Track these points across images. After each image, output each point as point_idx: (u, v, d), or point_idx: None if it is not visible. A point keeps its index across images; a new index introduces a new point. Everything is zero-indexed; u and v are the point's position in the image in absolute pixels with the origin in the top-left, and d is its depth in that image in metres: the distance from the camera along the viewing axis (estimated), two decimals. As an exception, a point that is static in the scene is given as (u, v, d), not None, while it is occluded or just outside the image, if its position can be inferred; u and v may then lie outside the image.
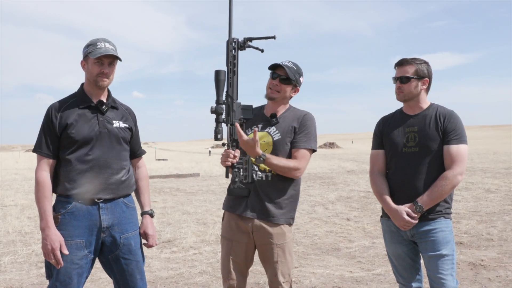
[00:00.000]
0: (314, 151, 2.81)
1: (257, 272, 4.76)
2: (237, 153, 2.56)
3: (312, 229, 7.10)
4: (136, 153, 2.79)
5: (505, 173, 15.00)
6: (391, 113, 2.92)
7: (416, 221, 2.62)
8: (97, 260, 2.62)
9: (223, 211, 2.88)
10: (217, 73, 2.46)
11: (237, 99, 2.54)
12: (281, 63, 2.74)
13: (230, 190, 2.65)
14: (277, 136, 2.74)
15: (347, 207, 9.22)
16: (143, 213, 2.76)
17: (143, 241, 2.74)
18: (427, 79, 2.72)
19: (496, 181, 12.70)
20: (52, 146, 2.50)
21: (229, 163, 2.54)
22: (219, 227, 7.11)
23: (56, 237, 2.39)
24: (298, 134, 2.75)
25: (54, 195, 2.54)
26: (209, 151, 55.01)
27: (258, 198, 2.70)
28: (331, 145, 64.61)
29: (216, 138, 2.48)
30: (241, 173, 2.59)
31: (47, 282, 2.53)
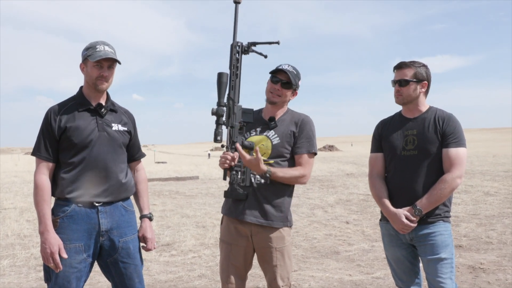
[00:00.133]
0: (315, 154, 2.82)
1: (256, 275, 4.76)
2: (236, 155, 2.57)
3: (311, 232, 7.10)
4: (135, 156, 2.79)
5: (504, 176, 15.00)
6: (390, 116, 2.93)
7: (415, 225, 2.62)
8: (96, 263, 2.61)
9: (222, 214, 2.88)
10: (220, 75, 2.48)
11: (238, 102, 2.55)
12: (282, 68, 2.74)
13: (226, 192, 2.65)
14: (276, 140, 2.74)
15: (346, 210, 9.21)
16: (142, 217, 2.75)
17: (142, 244, 2.73)
18: (426, 82, 2.72)
19: (495, 184, 12.70)
20: (51, 149, 2.49)
21: (227, 165, 2.55)
22: (219, 230, 7.10)
23: (55, 241, 2.38)
24: (299, 139, 2.76)
25: (53, 199, 2.53)
26: (209, 154, 55.01)
27: (257, 202, 2.69)
28: (330, 148, 64.63)
29: (215, 140, 2.48)
30: (239, 176, 2.59)
31: (45, 286, 2.53)
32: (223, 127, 2.51)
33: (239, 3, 2.60)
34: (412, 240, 2.70)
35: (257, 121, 2.80)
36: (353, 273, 4.92)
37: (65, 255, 2.40)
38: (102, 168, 2.52)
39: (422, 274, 2.81)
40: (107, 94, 2.66)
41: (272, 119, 2.78)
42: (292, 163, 2.79)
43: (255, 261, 2.84)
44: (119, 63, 2.58)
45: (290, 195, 2.80)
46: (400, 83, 2.71)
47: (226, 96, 2.53)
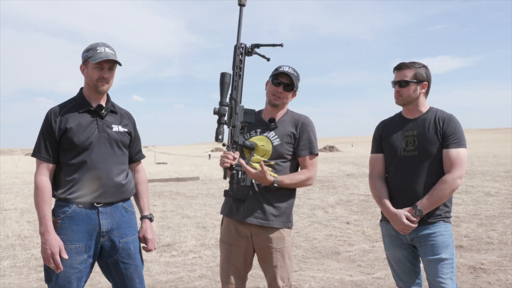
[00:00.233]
0: (317, 155, 2.84)
1: (256, 276, 4.76)
2: (237, 155, 2.58)
3: (312, 232, 7.10)
4: (135, 157, 2.79)
5: (505, 176, 14.99)
6: (390, 117, 2.93)
7: (416, 225, 2.62)
8: (96, 264, 2.61)
9: (222, 215, 2.88)
10: (223, 75, 2.51)
11: (240, 102, 2.58)
12: (284, 71, 2.74)
13: (227, 192, 2.65)
14: (276, 141, 2.75)
15: (347, 210, 9.21)
16: (142, 217, 2.76)
17: (142, 245, 2.73)
18: (426, 83, 2.72)
19: (496, 184, 12.69)
20: (51, 150, 2.49)
21: (228, 165, 2.55)
22: (219, 231, 7.09)
23: (56, 242, 2.38)
24: (301, 141, 2.77)
25: (54, 199, 2.54)
26: (209, 155, 55.00)
27: (257, 203, 2.70)
28: (331, 148, 64.61)
29: (217, 139, 2.50)
30: (239, 175, 2.60)
31: (46, 287, 2.53)
32: (225, 126, 2.53)
33: (244, 5, 2.62)
34: (412, 241, 2.70)
35: (257, 122, 2.80)
36: (353, 274, 4.92)
37: (65, 256, 2.40)
38: (102, 169, 2.52)
39: (423, 274, 2.81)
40: (107, 95, 2.66)
41: (272, 120, 2.79)
42: (293, 164, 2.79)
43: (255, 261, 2.85)
44: (120, 64, 2.58)
45: (292, 195, 2.80)
46: (400, 84, 2.71)
47: (228, 96, 2.55)
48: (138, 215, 2.76)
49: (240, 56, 2.60)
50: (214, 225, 7.76)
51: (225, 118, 2.54)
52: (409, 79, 2.69)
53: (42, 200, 2.43)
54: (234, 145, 2.59)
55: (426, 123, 2.70)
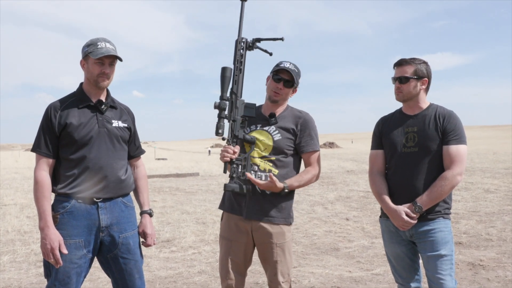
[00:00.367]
0: (319, 150, 2.86)
1: (256, 271, 4.77)
2: (237, 149, 2.59)
3: (311, 229, 7.10)
4: (135, 152, 2.79)
5: (504, 173, 15.00)
6: (390, 113, 2.92)
7: (415, 221, 2.62)
8: (96, 259, 2.62)
9: (222, 211, 2.89)
10: (224, 69, 2.52)
11: (241, 97, 2.58)
12: (285, 67, 2.73)
13: (226, 185, 2.65)
14: (277, 136, 2.75)
15: (346, 207, 9.22)
16: (142, 213, 2.76)
17: (142, 240, 2.74)
18: (426, 79, 2.72)
19: (495, 181, 12.70)
20: (51, 145, 2.49)
21: (228, 159, 2.56)
22: (219, 226, 7.10)
23: (55, 237, 2.39)
24: (303, 138, 2.78)
25: (53, 195, 2.54)
26: (209, 151, 55.01)
27: (257, 198, 2.70)
28: (330, 145, 64.60)
29: (217, 133, 2.51)
30: (239, 170, 2.61)
31: (45, 282, 2.53)
32: (225, 120, 2.54)
33: (245, 0, 2.62)
34: (412, 237, 2.70)
35: (257, 117, 2.80)
36: (353, 270, 4.93)
37: (65, 251, 2.40)
38: (102, 164, 2.52)
39: (422, 270, 2.81)
40: (107, 90, 2.66)
41: (272, 115, 2.79)
42: (294, 160, 2.79)
43: (255, 257, 2.85)
44: (121, 60, 2.57)
45: (291, 191, 2.80)
46: (400, 80, 2.71)
47: (229, 90, 2.56)
48: (137, 211, 2.76)
49: (241, 50, 2.60)
50: (213, 221, 7.76)
51: (226, 112, 2.54)
52: (409, 75, 2.68)
53: (42, 195, 2.43)
54: (234, 139, 2.60)
55: (426, 119, 2.69)
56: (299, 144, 2.78)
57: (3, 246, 6.08)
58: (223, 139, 2.62)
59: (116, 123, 2.62)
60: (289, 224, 2.78)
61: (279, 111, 2.83)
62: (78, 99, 2.57)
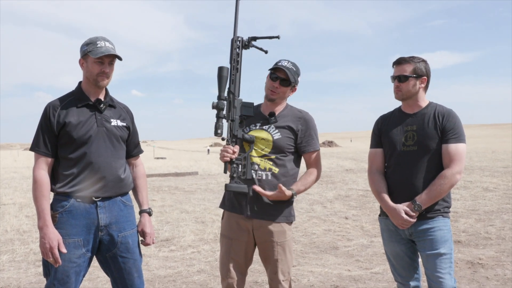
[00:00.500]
0: (319, 149, 2.88)
1: (255, 270, 4.77)
2: (236, 148, 2.59)
3: (311, 227, 7.11)
4: (133, 151, 2.78)
5: (503, 171, 15.02)
6: (389, 112, 2.92)
7: (415, 220, 2.62)
8: (95, 258, 2.62)
9: (221, 209, 2.89)
10: (220, 69, 2.51)
11: (238, 96, 2.58)
12: (281, 65, 2.73)
13: (227, 186, 2.65)
14: (277, 135, 2.75)
15: (345, 205, 9.22)
16: (141, 212, 2.75)
17: (141, 239, 2.73)
18: (425, 77, 2.71)
19: (494, 179, 12.71)
20: (50, 144, 2.49)
21: (228, 159, 2.56)
22: (218, 225, 7.12)
23: (54, 236, 2.38)
24: (304, 138, 2.78)
25: (52, 194, 2.53)
26: (208, 150, 55.01)
27: (258, 197, 2.70)
28: (329, 143, 64.61)
29: (216, 133, 2.51)
30: (240, 169, 2.61)
31: (45, 281, 2.53)
32: (224, 120, 2.53)
33: None
34: (411, 236, 2.70)
35: (257, 116, 2.80)
36: (352, 269, 4.93)
37: (64, 250, 2.40)
38: (101, 163, 2.51)
39: (421, 269, 2.81)
40: (106, 89, 2.66)
41: (272, 114, 2.78)
42: (293, 158, 2.79)
43: (255, 256, 2.85)
44: (120, 59, 2.57)
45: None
46: (399, 79, 2.70)
47: (226, 90, 2.55)
48: (136, 210, 2.76)
49: (237, 49, 2.59)
50: (212, 220, 7.77)
51: (224, 112, 2.54)
52: (409, 74, 2.68)
53: (41, 194, 2.42)
54: (233, 139, 2.60)
55: (425, 118, 2.69)
56: (300, 144, 2.78)
57: (2, 245, 6.07)
58: (223, 139, 2.61)
59: (115, 122, 2.61)
60: (290, 222, 2.78)
61: (278, 110, 2.83)
62: (76, 98, 2.57)
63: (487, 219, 7.34)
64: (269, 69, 2.78)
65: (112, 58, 2.54)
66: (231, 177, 2.62)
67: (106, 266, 2.63)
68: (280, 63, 2.75)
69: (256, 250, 2.83)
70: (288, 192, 2.65)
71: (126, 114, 2.72)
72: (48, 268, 2.48)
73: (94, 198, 2.50)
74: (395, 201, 2.68)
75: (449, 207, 2.71)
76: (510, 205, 8.59)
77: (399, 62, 2.72)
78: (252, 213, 2.69)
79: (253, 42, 2.64)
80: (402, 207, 2.63)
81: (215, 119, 2.52)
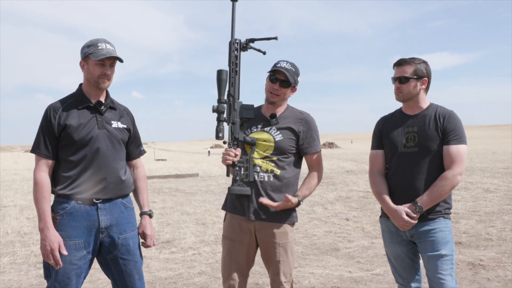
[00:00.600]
0: (320, 151, 2.89)
1: (256, 272, 4.76)
2: (238, 151, 2.59)
3: (311, 229, 7.10)
4: (135, 153, 2.78)
5: (504, 172, 15.01)
6: (390, 113, 2.92)
7: (416, 221, 2.62)
8: (95, 260, 2.61)
9: (222, 211, 2.89)
10: (219, 72, 2.51)
11: (238, 99, 2.58)
12: (280, 67, 2.73)
13: (231, 189, 2.65)
14: (278, 137, 2.75)
15: (346, 207, 9.22)
16: (141, 214, 2.75)
17: (141, 241, 2.73)
18: (426, 78, 2.71)
19: (495, 180, 12.70)
20: (50, 146, 2.49)
21: (230, 162, 2.56)
22: (218, 227, 7.12)
23: (55, 238, 2.38)
24: (306, 139, 2.79)
25: (53, 196, 2.53)
26: (208, 151, 55.03)
27: (260, 198, 2.69)
28: (330, 145, 64.61)
29: (217, 137, 2.50)
30: (242, 172, 2.61)
31: (45, 283, 2.53)
32: (225, 124, 2.53)
33: (236, 0, 2.61)
34: (412, 237, 2.70)
35: (258, 117, 2.80)
36: (353, 270, 4.92)
37: (65, 252, 2.40)
38: (102, 165, 2.51)
39: (422, 270, 2.81)
40: (107, 91, 2.66)
41: (273, 115, 2.78)
42: (295, 159, 2.79)
43: (256, 257, 2.85)
44: (121, 61, 2.57)
45: (294, 191, 2.81)
46: (400, 80, 2.71)
47: (226, 93, 2.55)
48: (137, 212, 2.76)
49: (236, 52, 2.59)
50: (213, 221, 7.76)
51: (224, 115, 2.54)
52: (409, 75, 2.68)
53: (42, 196, 2.42)
54: (235, 141, 2.60)
55: (426, 119, 2.69)
56: (302, 145, 2.78)
57: (3, 247, 6.07)
58: (224, 142, 2.62)
59: (115, 124, 2.61)
60: (292, 224, 2.79)
61: (279, 111, 2.83)
62: (77, 100, 2.57)
63: (488, 220, 7.34)
64: (268, 71, 2.77)
65: (113, 60, 2.54)
66: (234, 180, 2.62)
67: (107, 268, 2.63)
68: (278, 65, 2.74)
69: (258, 252, 2.83)
70: (294, 200, 2.68)
71: (126, 116, 2.73)
72: (49, 270, 2.48)
73: (94, 200, 2.50)
74: (396, 202, 2.68)
75: (450, 208, 2.71)
76: (511, 206, 8.58)
77: (399, 64, 2.72)
78: (254, 214, 2.69)
79: (251, 44, 2.64)
80: (403, 209, 2.63)
81: (216, 123, 2.52)
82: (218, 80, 2.52)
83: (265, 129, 2.78)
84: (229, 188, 2.65)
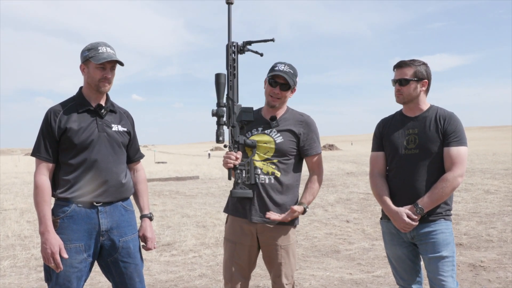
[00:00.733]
0: (321, 153, 2.89)
1: (257, 275, 4.76)
2: (239, 154, 2.59)
3: (312, 231, 7.10)
4: (134, 157, 2.79)
5: (504, 174, 15.01)
6: (391, 115, 2.92)
7: (416, 223, 2.62)
8: (96, 263, 2.61)
9: (223, 213, 2.89)
10: (218, 76, 2.51)
11: (237, 102, 2.58)
12: (279, 71, 2.72)
13: (233, 192, 2.65)
14: (279, 139, 2.75)
15: (346, 209, 9.21)
16: (142, 216, 2.75)
17: (142, 244, 2.73)
18: (426, 80, 2.72)
19: (495, 182, 12.70)
20: (51, 150, 2.49)
21: (231, 165, 2.56)
22: (219, 229, 7.12)
23: (56, 241, 2.38)
24: (307, 141, 2.79)
25: (53, 199, 2.53)
26: (209, 154, 55.00)
27: (262, 201, 2.70)
28: (330, 147, 64.58)
29: (217, 141, 2.51)
30: (244, 175, 2.62)
31: (46, 286, 2.53)
32: (225, 127, 2.54)
33: (231, 3, 2.61)
34: (413, 239, 2.70)
35: (258, 120, 2.80)
36: (353, 272, 4.92)
37: (65, 255, 2.40)
38: (102, 168, 2.52)
39: (423, 272, 2.81)
40: (107, 95, 2.66)
41: (273, 118, 2.78)
42: (295, 162, 2.79)
43: (258, 260, 2.84)
44: (122, 65, 2.57)
45: (295, 194, 2.81)
46: (400, 82, 2.71)
47: (225, 96, 2.55)
48: (137, 214, 2.76)
49: (233, 55, 2.60)
50: (214, 224, 7.76)
51: (224, 119, 2.54)
52: (409, 77, 2.68)
53: (42, 199, 2.42)
54: (235, 145, 2.60)
55: (427, 121, 2.69)
56: (303, 147, 2.79)
57: (4, 251, 6.07)
58: (225, 146, 2.62)
59: (115, 127, 2.62)
60: (294, 226, 2.79)
61: (279, 113, 2.83)
62: (77, 103, 2.57)
63: (489, 222, 7.33)
64: (267, 76, 2.77)
65: (113, 63, 2.55)
66: (236, 183, 2.62)
67: (107, 271, 2.63)
68: (277, 68, 2.73)
69: (259, 254, 2.83)
70: (300, 209, 2.67)
71: (126, 119, 2.73)
72: (50, 274, 2.47)
73: (95, 203, 2.50)
74: (397, 204, 2.68)
75: (450, 210, 2.70)
76: (511, 208, 8.59)
77: (399, 66, 2.73)
78: (257, 216, 2.69)
79: (248, 47, 2.64)
80: (404, 210, 2.63)
81: (216, 126, 2.52)
82: (216, 84, 2.52)
83: (266, 131, 2.78)
84: (231, 192, 2.65)
